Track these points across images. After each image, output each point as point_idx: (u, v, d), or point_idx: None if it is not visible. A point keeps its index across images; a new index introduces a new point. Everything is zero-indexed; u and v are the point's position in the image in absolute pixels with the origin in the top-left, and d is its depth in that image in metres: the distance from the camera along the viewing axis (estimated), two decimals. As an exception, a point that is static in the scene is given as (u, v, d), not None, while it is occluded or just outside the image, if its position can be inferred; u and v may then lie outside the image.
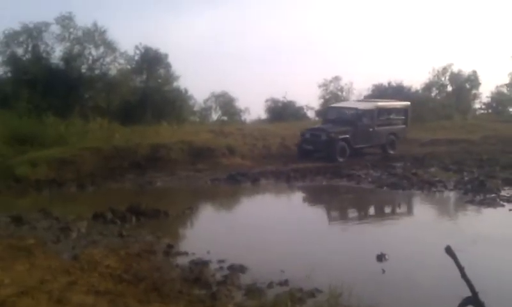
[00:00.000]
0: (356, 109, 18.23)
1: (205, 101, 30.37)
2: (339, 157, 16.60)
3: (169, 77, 24.08)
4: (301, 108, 30.94)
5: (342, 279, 5.02)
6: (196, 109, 28.50)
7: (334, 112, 19.27)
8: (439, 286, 5.87)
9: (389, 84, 29.22)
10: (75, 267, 5.75)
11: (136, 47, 23.55)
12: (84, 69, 21.30)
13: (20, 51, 20.73)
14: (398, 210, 10.69)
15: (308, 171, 14.59)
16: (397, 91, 28.59)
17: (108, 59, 21.78)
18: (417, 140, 19.93)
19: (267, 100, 31.38)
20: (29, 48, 20.79)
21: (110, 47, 21.48)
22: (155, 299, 4.83)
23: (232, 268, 6.24)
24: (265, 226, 9.20)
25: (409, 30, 54.44)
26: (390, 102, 19.82)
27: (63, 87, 19.88)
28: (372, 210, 11.48)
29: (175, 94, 23.32)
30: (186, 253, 6.96)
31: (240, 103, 32.06)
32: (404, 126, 19.20)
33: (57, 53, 21.15)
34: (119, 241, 7.38)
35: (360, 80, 51.70)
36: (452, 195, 11.96)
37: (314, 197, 12.82)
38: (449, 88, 31.99)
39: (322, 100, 31.15)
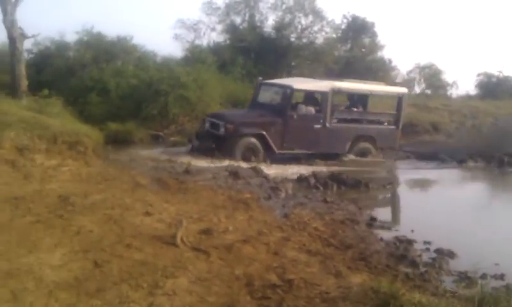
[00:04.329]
0: (289, 88, 11.29)
1: (409, 72, 29.08)
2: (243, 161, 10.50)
3: (374, 47, 23.70)
4: (519, 85, 27.48)
5: None
6: (398, 80, 27.50)
7: (267, 91, 12.46)
8: None
9: None
10: (287, 224, 6.18)
11: (344, 16, 23.78)
12: (293, 38, 22.22)
13: (238, 20, 22.58)
14: None
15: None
16: None
17: (316, 28, 22.29)
18: None
19: (479, 75, 29.15)
20: (246, 18, 22.48)
21: (318, 15, 21.94)
22: (363, 268, 4.91)
23: (439, 251, 5.97)
24: (473, 213, 8.56)
25: None
26: (366, 84, 12.39)
27: (273, 55, 21.10)
28: None
29: (378, 64, 22.86)
30: (389, 228, 6.92)
31: (448, 77, 29.94)
32: (393, 127, 12.23)
33: (269, 22, 22.46)
34: (323, 206, 7.66)
35: None
36: None
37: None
38: None
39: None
